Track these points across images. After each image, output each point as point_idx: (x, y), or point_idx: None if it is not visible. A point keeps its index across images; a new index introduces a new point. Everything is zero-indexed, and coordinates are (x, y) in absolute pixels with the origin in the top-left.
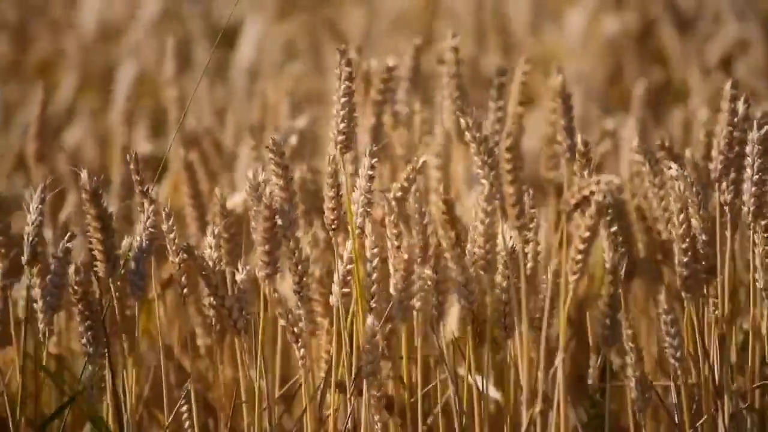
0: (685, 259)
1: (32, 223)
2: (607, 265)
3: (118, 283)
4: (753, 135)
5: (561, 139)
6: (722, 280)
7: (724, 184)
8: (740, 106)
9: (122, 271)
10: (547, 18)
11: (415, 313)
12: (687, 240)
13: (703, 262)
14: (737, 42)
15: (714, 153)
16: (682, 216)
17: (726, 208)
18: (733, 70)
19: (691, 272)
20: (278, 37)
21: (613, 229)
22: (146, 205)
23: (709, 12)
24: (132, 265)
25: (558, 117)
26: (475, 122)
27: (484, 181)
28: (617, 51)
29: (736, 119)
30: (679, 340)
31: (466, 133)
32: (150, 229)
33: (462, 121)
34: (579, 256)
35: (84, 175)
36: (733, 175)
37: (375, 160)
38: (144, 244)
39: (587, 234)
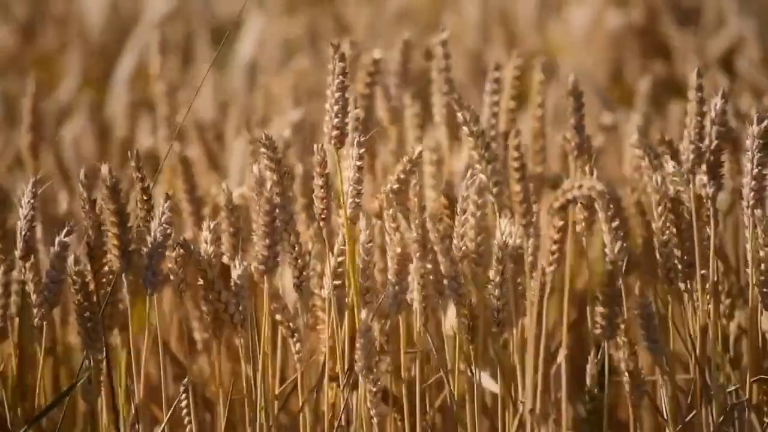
0: (666, 252)
1: (24, 218)
2: (608, 259)
3: (110, 277)
4: (753, 129)
5: (570, 137)
6: (706, 274)
7: (703, 177)
8: (718, 100)
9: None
10: (551, 12)
11: (414, 307)
12: (666, 233)
13: (686, 256)
14: (739, 37)
15: (684, 144)
16: (660, 208)
17: (708, 201)
18: (734, 65)
19: (672, 265)
20: (281, 34)
21: (615, 224)
22: (162, 201)
23: (712, 7)
24: (146, 260)
25: (569, 115)
26: (472, 116)
27: (481, 175)
28: (620, 46)
29: (704, 108)
30: (656, 333)
31: (464, 127)
32: (165, 225)
33: (459, 115)
34: (554, 247)
35: (104, 170)
36: (712, 169)
37: (363, 150)
38: (158, 240)
39: (561, 223)
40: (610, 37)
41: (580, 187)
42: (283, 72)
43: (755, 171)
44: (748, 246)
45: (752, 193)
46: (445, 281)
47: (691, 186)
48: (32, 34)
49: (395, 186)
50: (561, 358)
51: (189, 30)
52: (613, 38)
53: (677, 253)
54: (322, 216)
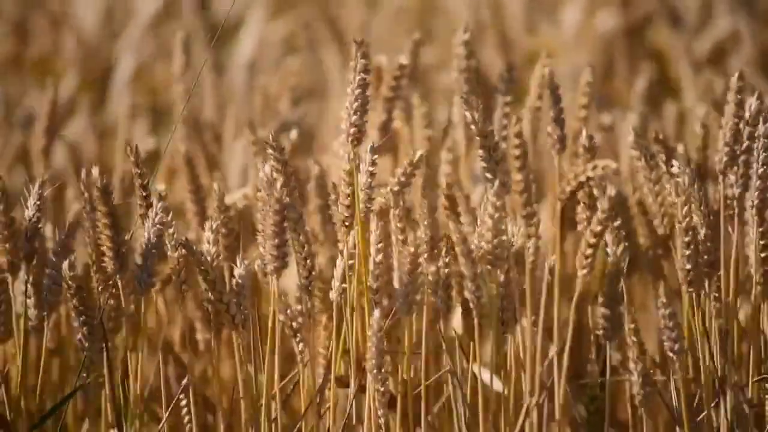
0: (688, 253)
1: (30, 219)
2: (610, 259)
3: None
4: (760, 129)
5: (550, 130)
6: (726, 275)
7: (730, 177)
8: (753, 101)
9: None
10: (542, 13)
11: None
12: (689, 234)
13: (706, 257)
14: (729, 36)
15: (720, 145)
16: (685, 210)
17: (733, 202)
18: (726, 64)
19: (693, 266)
20: (277, 32)
21: (617, 223)
22: (155, 200)
23: (701, 5)
24: (139, 261)
25: (547, 108)
26: (480, 116)
27: (488, 175)
28: (611, 46)
29: (742, 111)
30: (677, 334)
31: (472, 126)
32: (158, 225)
33: (467, 114)
34: (589, 251)
35: (95, 171)
36: (742, 169)
37: (376, 156)
38: (152, 240)
39: (599, 228)
40: (600, 39)
41: (594, 167)
42: (278, 72)
43: (761, 171)
44: (753, 245)
45: (757, 193)
46: (466, 283)
47: (720, 187)
48: (27, 35)
49: (395, 188)
50: (552, 353)
51: (185, 29)
52: (604, 39)
53: (701, 253)
54: (345, 223)
